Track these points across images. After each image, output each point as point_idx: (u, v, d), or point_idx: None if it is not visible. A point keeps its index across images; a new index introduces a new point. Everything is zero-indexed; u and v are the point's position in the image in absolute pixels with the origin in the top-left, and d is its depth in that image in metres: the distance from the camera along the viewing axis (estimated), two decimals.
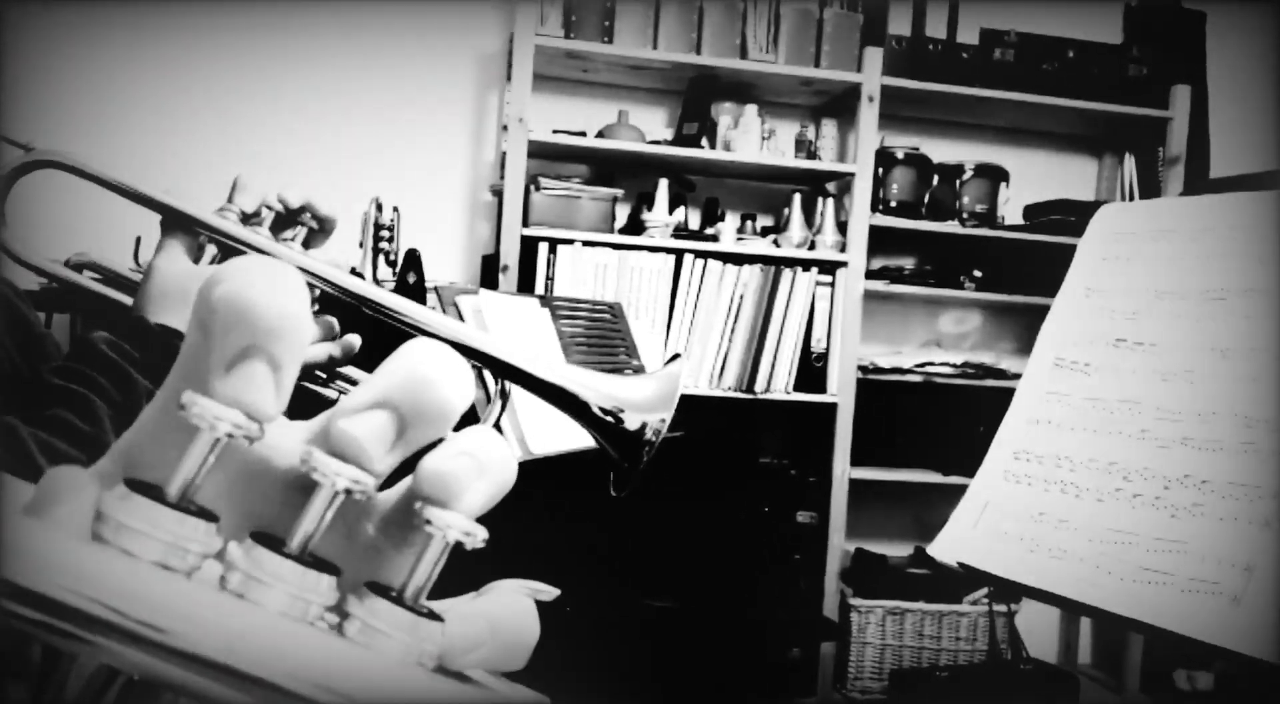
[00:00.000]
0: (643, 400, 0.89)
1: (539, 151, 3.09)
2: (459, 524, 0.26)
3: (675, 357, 0.97)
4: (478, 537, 0.27)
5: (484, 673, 0.28)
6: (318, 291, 0.89)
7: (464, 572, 0.33)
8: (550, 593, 0.33)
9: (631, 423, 0.88)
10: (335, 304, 0.89)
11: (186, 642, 0.22)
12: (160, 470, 0.26)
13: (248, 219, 0.91)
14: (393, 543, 0.30)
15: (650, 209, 3.16)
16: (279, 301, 0.26)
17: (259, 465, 0.29)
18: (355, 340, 0.97)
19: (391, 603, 0.26)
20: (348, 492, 0.26)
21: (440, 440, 0.28)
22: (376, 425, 0.27)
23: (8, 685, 0.25)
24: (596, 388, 0.88)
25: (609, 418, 0.88)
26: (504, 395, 0.99)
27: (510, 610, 0.30)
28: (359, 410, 0.27)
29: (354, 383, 0.99)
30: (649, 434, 0.88)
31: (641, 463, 0.89)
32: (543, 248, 3.01)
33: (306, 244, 0.93)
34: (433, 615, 0.27)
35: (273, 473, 0.29)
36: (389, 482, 0.30)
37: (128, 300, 0.92)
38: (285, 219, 0.93)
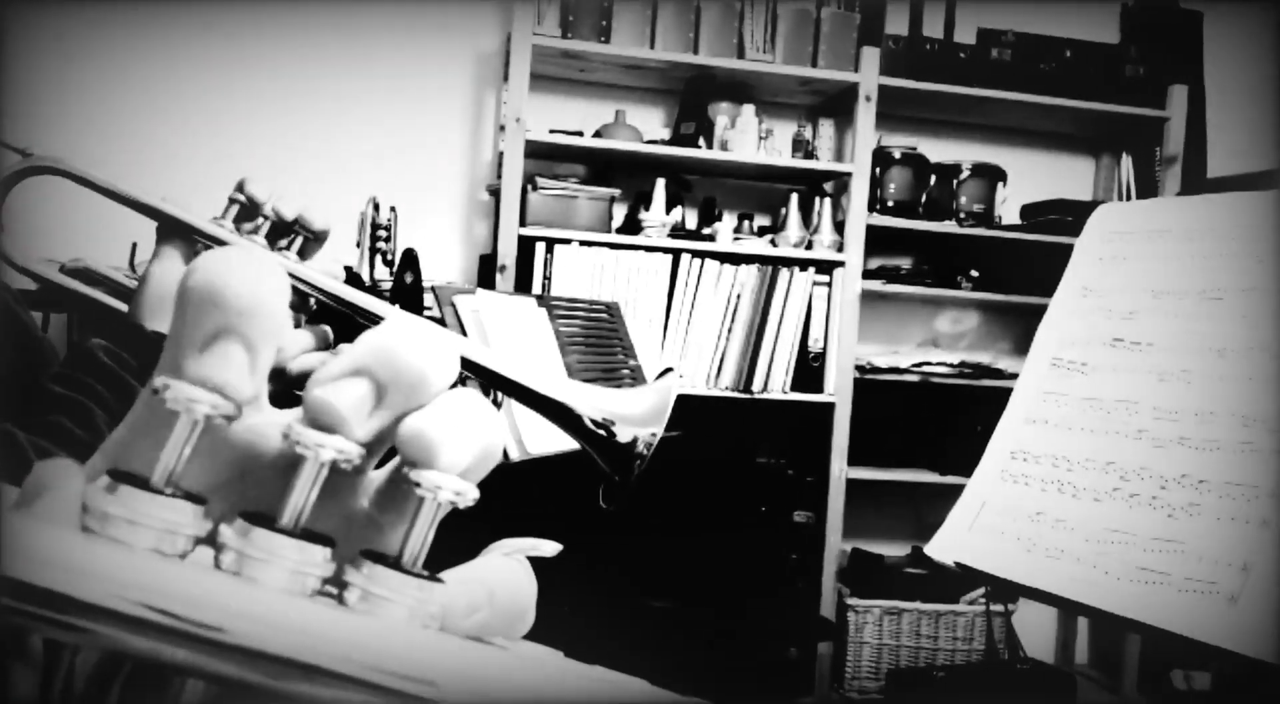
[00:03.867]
0: (635, 414, 0.89)
1: (536, 151, 3.09)
2: (447, 484, 0.26)
3: (668, 370, 0.97)
4: (468, 496, 0.27)
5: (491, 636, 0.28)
6: (312, 300, 0.89)
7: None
8: (551, 549, 0.33)
9: (623, 436, 0.88)
10: (330, 313, 0.90)
11: (191, 624, 0.22)
12: (145, 461, 0.26)
13: (247, 217, 0.91)
14: (388, 516, 0.30)
15: (647, 209, 3.15)
16: (251, 285, 0.26)
17: (248, 452, 0.29)
18: None
19: (389, 568, 0.26)
20: (334, 463, 0.26)
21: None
22: (353, 392, 0.27)
23: (16, 671, 0.25)
24: (588, 400, 0.88)
25: (600, 430, 0.88)
26: (497, 405, 0.99)
27: (505, 575, 0.30)
28: (334, 379, 0.27)
29: None
30: (640, 447, 0.88)
31: (632, 476, 0.89)
32: (540, 247, 3.01)
33: (302, 253, 0.93)
34: (433, 578, 0.26)
35: (263, 459, 0.29)
36: (383, 462, 0.30)
37: (123, 306, 0.93)
38: (281, 228, 0.93)
